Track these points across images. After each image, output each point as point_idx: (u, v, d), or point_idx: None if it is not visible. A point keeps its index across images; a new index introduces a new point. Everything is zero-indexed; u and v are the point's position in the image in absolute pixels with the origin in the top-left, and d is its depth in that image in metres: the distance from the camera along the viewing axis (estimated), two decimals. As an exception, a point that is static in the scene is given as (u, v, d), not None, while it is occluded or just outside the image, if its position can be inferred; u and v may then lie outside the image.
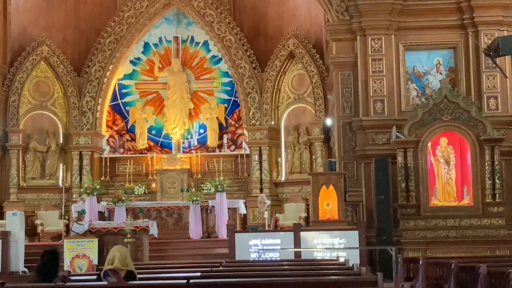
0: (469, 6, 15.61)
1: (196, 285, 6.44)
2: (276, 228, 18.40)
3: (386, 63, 15.81)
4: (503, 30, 15.55)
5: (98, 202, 18.41)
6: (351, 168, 16.11)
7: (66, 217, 18.90)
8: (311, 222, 15.36)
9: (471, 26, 15.73)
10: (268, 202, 18.55)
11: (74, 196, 20.05)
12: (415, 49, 16.06)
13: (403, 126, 14.56)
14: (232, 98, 21.64)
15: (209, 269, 8.59)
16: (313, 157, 20.02)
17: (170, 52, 21.90)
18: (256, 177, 20.49)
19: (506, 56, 14.50)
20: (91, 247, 13.94)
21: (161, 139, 21.79)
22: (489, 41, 14.58)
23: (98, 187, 18.53)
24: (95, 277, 7.41)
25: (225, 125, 21.68)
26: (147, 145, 21.61)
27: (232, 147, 21.63)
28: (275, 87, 20.67)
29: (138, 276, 7.04)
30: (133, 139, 21.75)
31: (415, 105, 15.21)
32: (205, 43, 21.76)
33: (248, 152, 20.93)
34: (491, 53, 12.36)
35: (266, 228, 17.44)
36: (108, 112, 21.65)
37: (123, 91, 21.86)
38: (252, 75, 20.72)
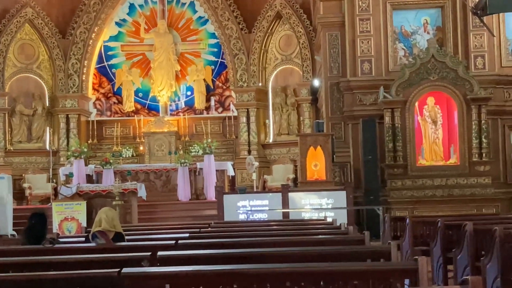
0: (456, -37, 15.52)
1: (185, 245, 6.46)
2: (264, 189, 18.45)
3: (374, 23, 15.71)
4: (491, -11, 15.44)
5: (86, 165, 18.39)
6: (338, 129, 16.14)
7: (54, 180, 18.87)
8: (299, 183, 15.43)
9: (459, -16, 15.64)
10: (256, 163, 18.57)
11: (62, 159, 19.99)
12: (402, 9, 15.95)
13: (391, 86, 14.55)
14: (219, 60, 21.49)
15: (198, 230, 8.62)
16: (301, 118, 20.01)
17: (156, 13, 21.65)
18: (244, 139, 20.47)
19: (493, 15, 14.43)
20: (79, 209, 13.96)
21: (148, 102, 21.68)
22: (477, 0, 14.49)
23: (85, 150, 18.49)
24: (83, 239, 7.44)
25: (212, 87, 21.56)
26: (134, 108, 21.49)
27: (220, 109, 21.55)
28: (263, 48, 20.52)
29: (127, 237, 7.07)
30: (120, 102, 21.62)
31: (403, 65, 15.18)
32: (191, 4, 21.51)
33: (235, 114, 20.87)
34: (479, 11, 12.27)
35: (255, 190, 17.50)
36: (94, 74, 21.47)
37: (109, 53, 21.64)
38: (239, 36, 20.55)
